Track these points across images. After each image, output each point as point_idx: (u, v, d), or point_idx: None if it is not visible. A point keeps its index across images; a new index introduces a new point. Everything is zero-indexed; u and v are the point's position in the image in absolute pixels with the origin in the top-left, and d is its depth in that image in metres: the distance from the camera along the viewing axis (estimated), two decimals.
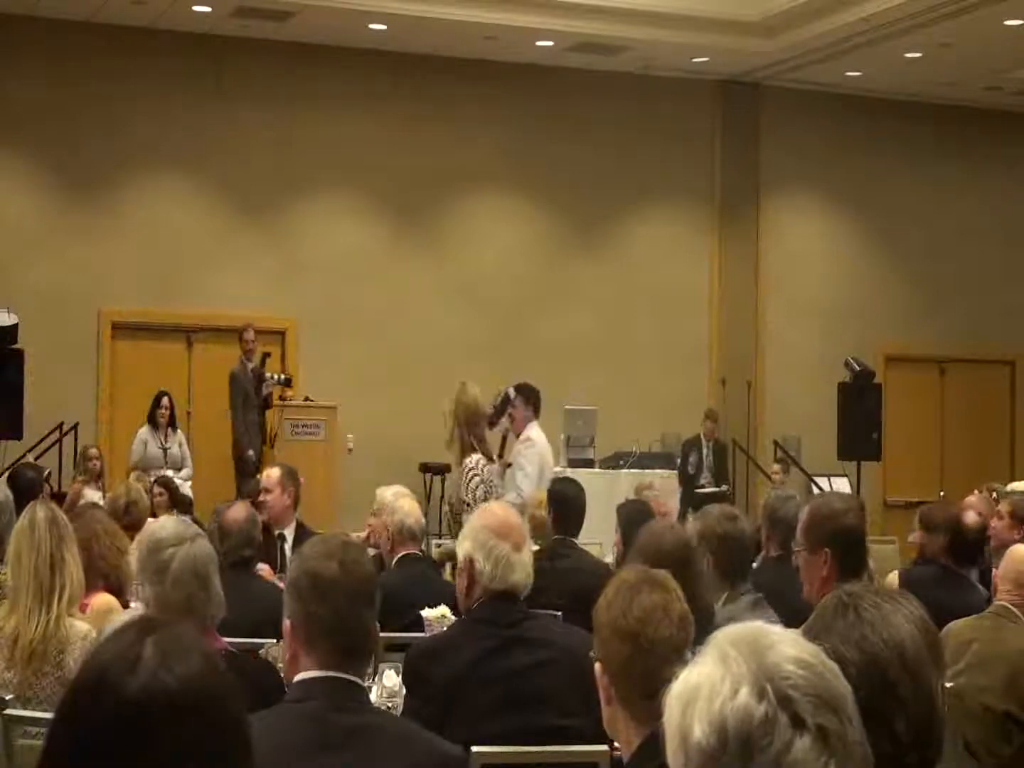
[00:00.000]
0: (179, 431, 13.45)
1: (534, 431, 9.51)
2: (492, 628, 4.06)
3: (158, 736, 1.54)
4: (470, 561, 4.11)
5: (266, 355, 13.18)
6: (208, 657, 1.61)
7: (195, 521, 8.51)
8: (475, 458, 8.20)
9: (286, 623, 3.06)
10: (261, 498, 8.04)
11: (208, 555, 3.94)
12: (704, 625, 2.97)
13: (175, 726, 1.54)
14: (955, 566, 6.36)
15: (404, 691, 4.23)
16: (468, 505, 8.02)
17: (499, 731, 3.90)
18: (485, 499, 7.76)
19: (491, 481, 8.14)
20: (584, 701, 3.67)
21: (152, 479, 10.92)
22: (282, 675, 4.45)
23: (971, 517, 6.48)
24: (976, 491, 9.41)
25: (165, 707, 1.54)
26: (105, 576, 5.33)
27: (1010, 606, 4.99)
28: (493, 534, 4.09)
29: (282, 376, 13.23)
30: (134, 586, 4.74)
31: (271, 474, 8.26)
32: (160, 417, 13.24)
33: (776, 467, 14.86)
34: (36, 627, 4.51)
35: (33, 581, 4.58)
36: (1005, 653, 4.79)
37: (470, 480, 8.14)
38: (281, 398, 14.35)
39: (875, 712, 2.10)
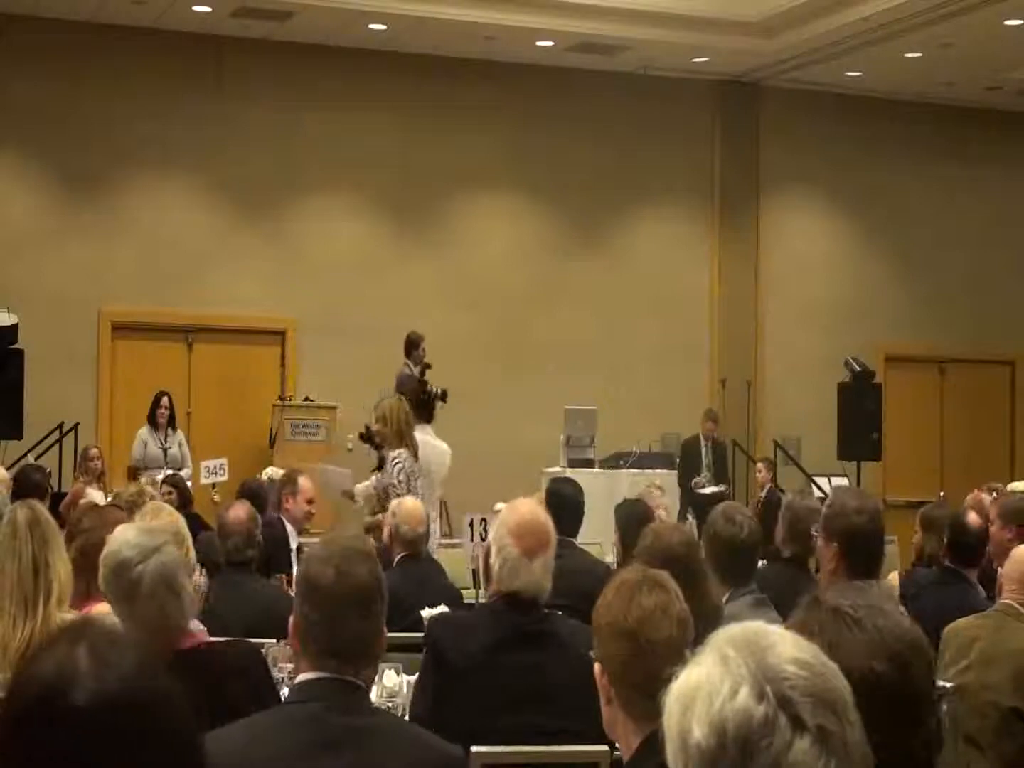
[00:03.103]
0: (179, 431, 13.43)
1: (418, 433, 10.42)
2: (504, 623, 4.08)
3: (113, 738, 1.53)
4: (487, 554, 4.13)
5: (427, 365, 12.94)
6: (140, 651, 1.61)
7: (192, 516, 8.50)
8: (402, 452, 9.09)
9: (291, 622, 3.08)
10: (312, 509, 8.23)
11: (176, 562, 3.85)
12: (713, 624, 2.97)
13: (127, 725, 1.54)
14: (955, 567, 6.35)
15: (405, 686, 4.22)
16: (394, 487, 8.89)
17: (502, 728, 3.90)
18: (407, 483, 8.91)
19: (412, 470, 9.10)
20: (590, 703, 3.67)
21: (160, 478, 10.90)
22: (279, 673, 4.45)
23: (971, 518, 6.46)
24: (976, 491, 9.39)
25: (114, 709, 1.54)
26: None
27: (1015, 604, 4.99)
28: (510, 535, 4.08)
29: (441, 390, 12.77)
30: None
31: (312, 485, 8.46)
32: (160, 417, 13.22)
33: (759, 465, 14.69)
34: (22, 633, 4.49)
35: (16, 589, 4.54)
36: (1011, 650, 4.80)
37: (397, 469, 9.02)
38: (281, 398, 14.36)
39: (907, 716, 2.09)
